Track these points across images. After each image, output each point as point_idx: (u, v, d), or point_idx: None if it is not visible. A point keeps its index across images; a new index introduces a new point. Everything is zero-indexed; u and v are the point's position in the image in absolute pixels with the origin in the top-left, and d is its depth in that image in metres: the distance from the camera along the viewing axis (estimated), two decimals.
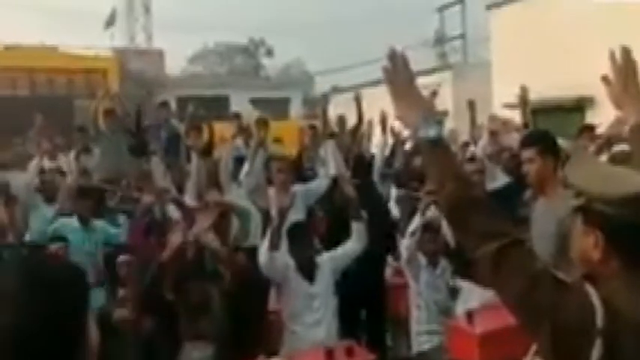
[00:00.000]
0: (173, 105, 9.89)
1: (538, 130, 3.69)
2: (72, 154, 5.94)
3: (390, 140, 6.31)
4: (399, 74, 1.42)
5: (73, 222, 4.33)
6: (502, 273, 1.22)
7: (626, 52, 1.62)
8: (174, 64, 27.08)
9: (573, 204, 1.26)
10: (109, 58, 15.42)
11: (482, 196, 1.31)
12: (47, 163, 5.28)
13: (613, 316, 1.14)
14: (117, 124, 6.29)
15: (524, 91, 4.66)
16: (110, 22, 17.35)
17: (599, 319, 1.14)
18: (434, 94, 4.50)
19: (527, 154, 2.97)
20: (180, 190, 4.69)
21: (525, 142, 3.08)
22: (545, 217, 2.74)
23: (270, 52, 33.42)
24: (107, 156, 5.99)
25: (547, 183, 2.94)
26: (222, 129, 6.81)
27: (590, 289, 1.19)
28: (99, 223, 4.42)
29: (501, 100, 11.59)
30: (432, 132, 1.34)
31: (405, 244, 3.76)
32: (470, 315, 3.70)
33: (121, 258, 3.71)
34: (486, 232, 1.25)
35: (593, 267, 1.23)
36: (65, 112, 11.36)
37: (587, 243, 1.23)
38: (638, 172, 1.28)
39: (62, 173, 5.27)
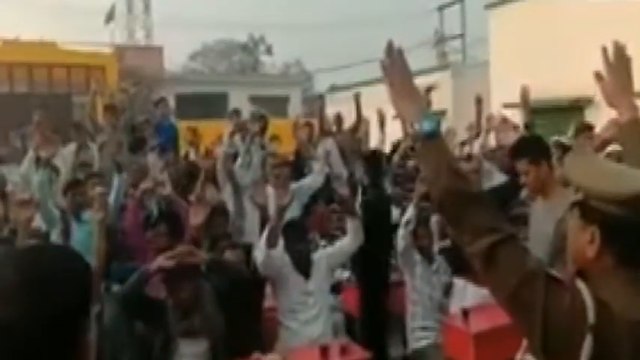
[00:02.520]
0: (172, 102, 9.87)
1: (525, 138, 3.70)
2: (68, 149, 5.92)
3: (394, 138, 6.30)
4: (396, 69, 1.42)
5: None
6: (495, 269, 1.22)
7: (619, 47, 1.61)
8: (174, 61, 27.04)
9: (571, 199, 1.26)
10: (108, 54, 15.39)
11: (477, 191, 1.31)
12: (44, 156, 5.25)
13: (604, 312, 1.14)
14: (116, 119, 6.28)
15: (525, 91, 4.62)
16: (110, 17, 17.33)
17: (591, 316, 1.14)
18: (430, 89, 4.50)
19: (520, 166, 2.97)
20: (177, 187, 4.70)
21: (515, 154, 3.05)
22: (544, 217, 2.75)
23: (269, 50, 33.37)
24: (105, 153, 5.97)
25: (545, 185, 2.94)
26: (221, 126, 6.80)
27: (582, 286, 1.19)
28: (89, 215, 4.38)
29: (500, 100, 11.60)
30: (427, 126, 1.34)
31: (399, 234, 3.76)
32: (465, 313, 3.71)
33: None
34: (480, 227, 1.25)
35: (587, 263, 1.23)
36: (63, 108, 11.34)
37: (583, 238, 1.23)
38: (634, 169, 1.28)
39: (56, 170, 5.24)
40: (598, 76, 1.64)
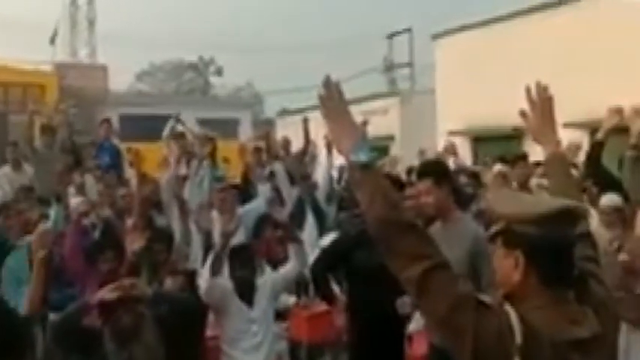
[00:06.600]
0: (116, 123, 9.66)
1: (430, 161, 3.81)
2: (2, 171, 5.67)
3: (337, 162, 6.38)
4: (333, 101, 1.47)
5: None
6: (427, 294, 1.26)
7: (542, 87, 1.72)
8: (120, 81, 26.51)
9: (493, 229, 1.32)
10: (48, 72, 14.93)
11: (410, 220, 1.35)
12: None
13: (531, 334, 1.20)
14: (53, 140, 6.11)
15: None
16: (54, 38, 16.83)
17: (518, 338, 1.19)
18: (365, 123, 4.62)
19: (423, 185, 2.95)
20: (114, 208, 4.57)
21: (420, 175, 3.06)
22: (450, 240, 2.68)
23: (219, 71, 33.25)
24: (41, 174, 5.76)
25: (447, 209, 2.96)
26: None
27: (510, 309, 1.24)
28: (28, 240, 4.19)
29: (445, 127, 11.98)
30: (363, 156, 1.38)
31: None
32: (410, 338, 3.75)
33: None
34: (412, 254, 1.28)
35: (514, 287, 1.29)
36: (0, 127, 10.85)
37: (507, 265, 1.29)
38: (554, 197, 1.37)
39: None
40: (522, 114, 1.74)
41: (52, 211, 4.39)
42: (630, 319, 3.17)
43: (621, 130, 3.76)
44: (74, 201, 4.53)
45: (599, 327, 1.28)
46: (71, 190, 5.05)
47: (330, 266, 3.73)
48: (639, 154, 3.63)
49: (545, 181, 4.53)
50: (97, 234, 4.37)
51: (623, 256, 3.22)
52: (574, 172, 4.27)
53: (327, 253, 3.81)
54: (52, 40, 16.62)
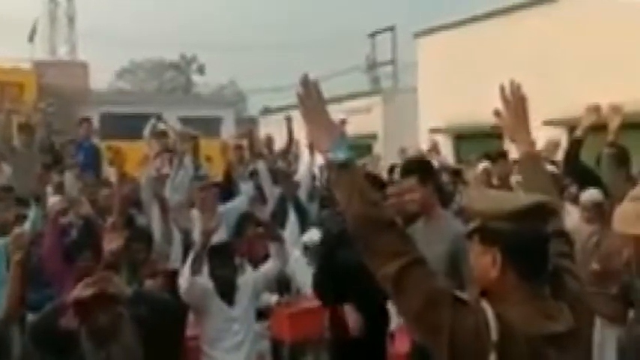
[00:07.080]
0: (96, 121, 9.55)
1: (414, 159, 3.83)
2: None
3: (319, 161, 6.38)
4: (311, 100, 1.46)
5: None
6: (403, 291, 1.27)
7: (516, 86, 1.73)
8: (101, 79, 26.18)
9: (469, 227, 1.33)
10: (27, 70, 14.68)
11: (388, 217, 1.35)
12: None
13: (506, 330, 1.21)
14: (32, 139, 6.03)
15: None
16: (33, 35, 16.55)
17: (494, 334, 1.20)
18: (343, 121, 4.64)
19: (407, 183, 2.95)
20: (94, 206, 4.52)
21: (404, 172, 3.07)
22: (431, 236, 2.76)
23: (201, 69, 33.00)
24: (19, 174, 5.67)
25: (430, 206, 2.97)
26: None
27: (486, 305, 1.25)
28: (4, 241, 4.11)
29: (427, 125, 12.05)
30: (341, 155, 1.39)
31: None
32: (392, 335, 3.77)
33: None
34: (389, 251, 1.29)
35: (491, 284, 1.30)
36: None
37: (485, 262, 1.30)
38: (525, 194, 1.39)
39: None
40: (496, 113, 1.75)
41: (31, 212, 4.32)
42: (605, 315, 3.22)
43: (599, 127, 3.81)
44: (51, 200, 4.46)
45: (575, 322, 1.29)
46: (49, 189, 4.98)
47: (330, 279, 3.63)
48: (616, 151, 3.69)
49: None
50: (74, 233, 4.32)
51: (595, 266, 3.28)
52: (554, 169, 4.33)
53: (320, 268, 3.79)
54: (31, 38, 16.35)
